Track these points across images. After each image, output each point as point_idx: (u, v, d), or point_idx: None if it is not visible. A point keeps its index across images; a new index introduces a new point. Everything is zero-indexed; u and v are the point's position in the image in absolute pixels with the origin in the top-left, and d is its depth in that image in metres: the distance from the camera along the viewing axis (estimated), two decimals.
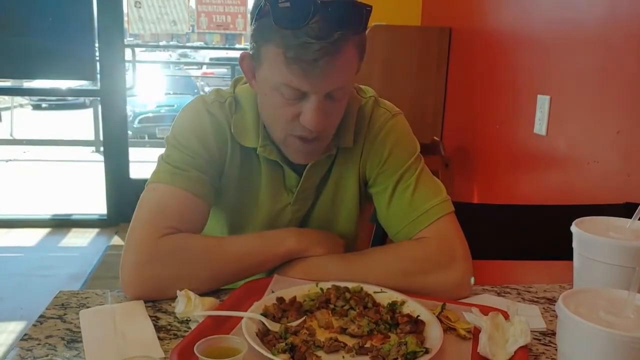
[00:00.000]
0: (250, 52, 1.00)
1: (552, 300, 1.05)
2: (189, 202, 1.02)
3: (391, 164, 1.10)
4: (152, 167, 1.08)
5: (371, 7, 0.94)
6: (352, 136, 1.11)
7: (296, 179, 1.11)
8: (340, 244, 1.11)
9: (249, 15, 1.05)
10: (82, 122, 9.02)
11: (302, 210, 1.15)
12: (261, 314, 0.87)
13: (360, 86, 1.17)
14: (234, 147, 1.09)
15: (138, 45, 10.60)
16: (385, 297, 0.96)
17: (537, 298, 1.06)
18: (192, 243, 1.00)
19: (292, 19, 0.88)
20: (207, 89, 9.95)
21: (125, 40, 4.26)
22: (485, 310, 0.89)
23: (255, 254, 1.02)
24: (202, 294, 0.94)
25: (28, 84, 4.59)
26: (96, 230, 4.13)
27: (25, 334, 0.86)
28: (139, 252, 0.97)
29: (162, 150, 1.09)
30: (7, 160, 6.92)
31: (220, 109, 1.08)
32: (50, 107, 10.93)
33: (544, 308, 1.01)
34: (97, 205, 4.36)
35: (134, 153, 4.32)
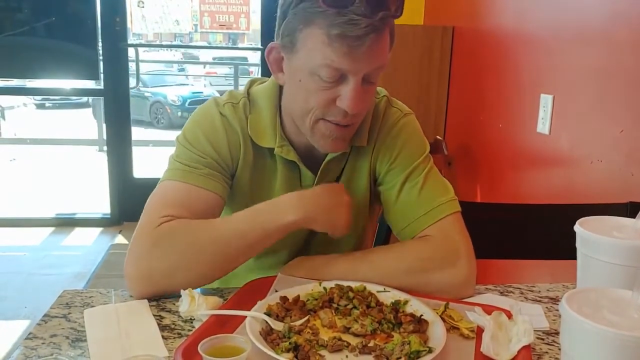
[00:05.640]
0: (280, 42, 1.00)
1: (555, 300, 1.05)
2: (200, 196, 1.02)
3: (400, 161, 1.11)
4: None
5: None
6: (366, 136, 1.11)
7: (312, 178, 1.11)
8: (344, 204, 1.03)
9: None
10: (85, 121, 9.05)
11: None
12: (265, 313, 0.88)
13: None
14: (246, 147, 1.08)
15: (141, 45, 10.69)
16: (389, 296, 0.96)
17: (540, 297, 1.06)
18: (189, 226, 0.97)
19: None
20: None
21: (128, 39, 4.26)
22: (488, 309, 0.89)
23: (251, 232, 0.98)
24: (207, 290, 0.93)
25: (32, 83, 4.59)
26: (100, 229, 4.14)
27: (29, 333, 0.86)
28: (140, 243, 0.97)
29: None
30: (11, 160, 6.94)
31: (232, 110, 1.08)
32: (54, 106, 10.96)
33: (547, 307, 1.01)
34: (100, 204, 4.37)
35: (137, 152, 4.33)
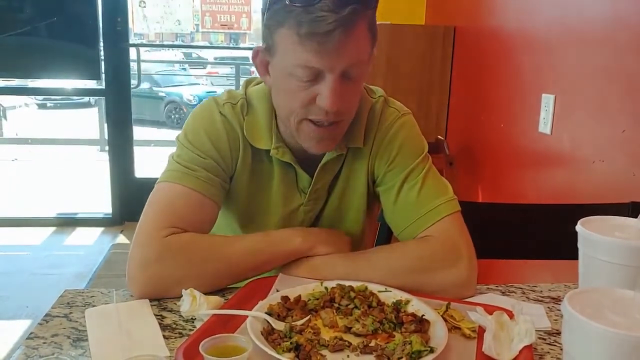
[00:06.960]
0: (263, 45, 1.00)
1: (557, 300, 1.04)
2: (198, 201, 1.03)
3: (399, 162, 1.10)
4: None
5: None
6: (362, 136, 1.11)
7: (308, 180, 1.11)
8: (347, 242, 1.11)
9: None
10: (87, 121, 9.05)
11: (314, 211, 1.15)
12: (266, 313, 0.88)
13: (370, 87, 1.17)
14: (245, 148, 1.09)
15: (143, 45, 10.73)
16: (390, 296, 0.96)
17: (542, 297, 1.06)
18: (198, 242, 1.00)
19: None
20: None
21: (130, 39, 4.27)
22: (490, 309, 0.89)
23: (260, 253, 1.03)
24: (208, 293, 0.94)
25: (33, 83, 4.60)
26: (101, 229, 4.14)
27: (31, 333, 0.86)
28: (146, 250, 0.98)
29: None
30: (12, 160, 6.95)
31: (232, 110, 1.08)
32: (56, 106, 10.97)
33: (548, 307, 1.01)
34: (102, 204, 4.37)
35: (138, 153, 4.33)
